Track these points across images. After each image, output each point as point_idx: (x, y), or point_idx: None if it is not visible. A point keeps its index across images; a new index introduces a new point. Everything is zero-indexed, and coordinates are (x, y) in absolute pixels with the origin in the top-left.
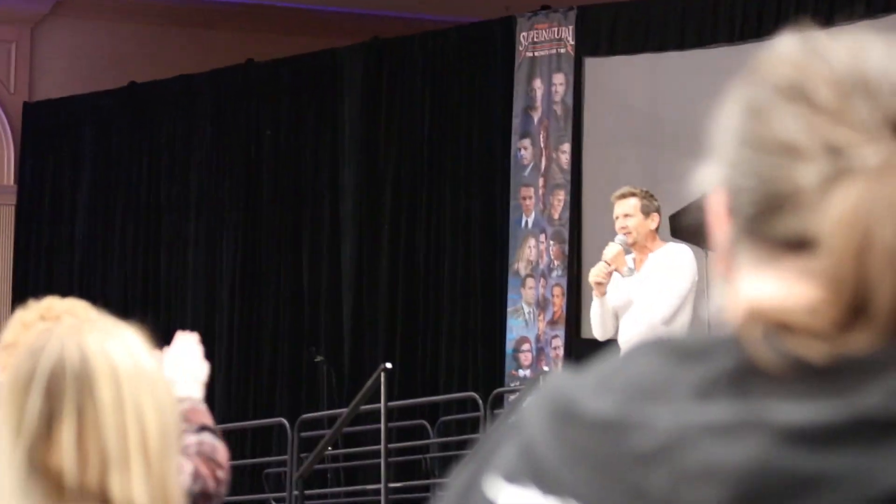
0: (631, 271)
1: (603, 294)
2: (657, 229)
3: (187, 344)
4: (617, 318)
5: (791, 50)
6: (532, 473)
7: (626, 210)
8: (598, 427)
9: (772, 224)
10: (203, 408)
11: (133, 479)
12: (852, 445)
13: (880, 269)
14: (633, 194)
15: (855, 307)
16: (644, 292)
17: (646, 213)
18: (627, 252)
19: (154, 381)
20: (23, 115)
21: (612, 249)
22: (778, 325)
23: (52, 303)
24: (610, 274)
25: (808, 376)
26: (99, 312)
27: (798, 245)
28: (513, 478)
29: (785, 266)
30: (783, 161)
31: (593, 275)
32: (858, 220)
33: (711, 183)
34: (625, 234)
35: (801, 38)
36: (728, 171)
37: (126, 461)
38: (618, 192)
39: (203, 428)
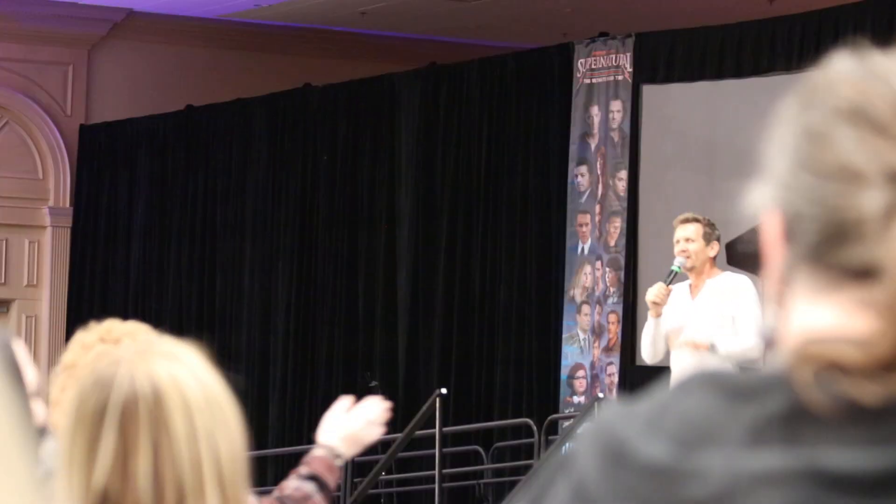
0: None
1: (659, 315)
2: (715, 258)
3: (373, 408)
4: (668, 341)
5: (849, 71)
6: None
7: (689, 234)
8: (651, 472)
9: (834, 252)
10: (335, 463)
11: None
12: None
13: None
14: (696, 220)
15: None
16: (704, 318)
17: (707, 240)
18: (684, 278)
19: (223, 407)
20: (79, 137)
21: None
22: (830, 365)
23: (112, 325)
24: (668, 295)
25: (860, 420)
26: (158, 335)
27: (861, 274)
28: None
29: (844, 295)
30: (845, 187)
31: (651, 294)
32: None
33: (764, 205)
34: (685, 257)
35: (859, 58)
36: (784, 194)
37: (201, 492)
38: (681, 217)
39: (313, 478)
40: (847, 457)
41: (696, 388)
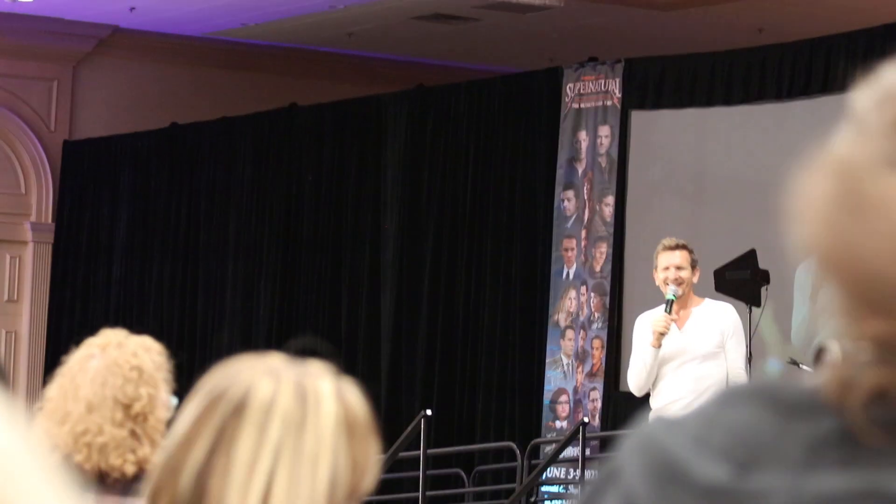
0: None
1: (660, 346)
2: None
3: None
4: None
5: None
6: None
7: (680, 262)
8: (708, 493)
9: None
10: None
11: None
12: None
13: None
14: (684, 247)
15: None
16: (704, 347)
17: (693, 266)
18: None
19: (314, 462)
20: (63, 153)
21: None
22: (877, 392)
23: (115, 334)
24: (670, 324)
25: None
26: (159, 346)
27: None
28: None
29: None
30: None
31: (659, 325)
32: None
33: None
34: (677, 285)
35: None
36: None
37: None
38: (667, 243)
39: None
40: None
41: (742, 401)
